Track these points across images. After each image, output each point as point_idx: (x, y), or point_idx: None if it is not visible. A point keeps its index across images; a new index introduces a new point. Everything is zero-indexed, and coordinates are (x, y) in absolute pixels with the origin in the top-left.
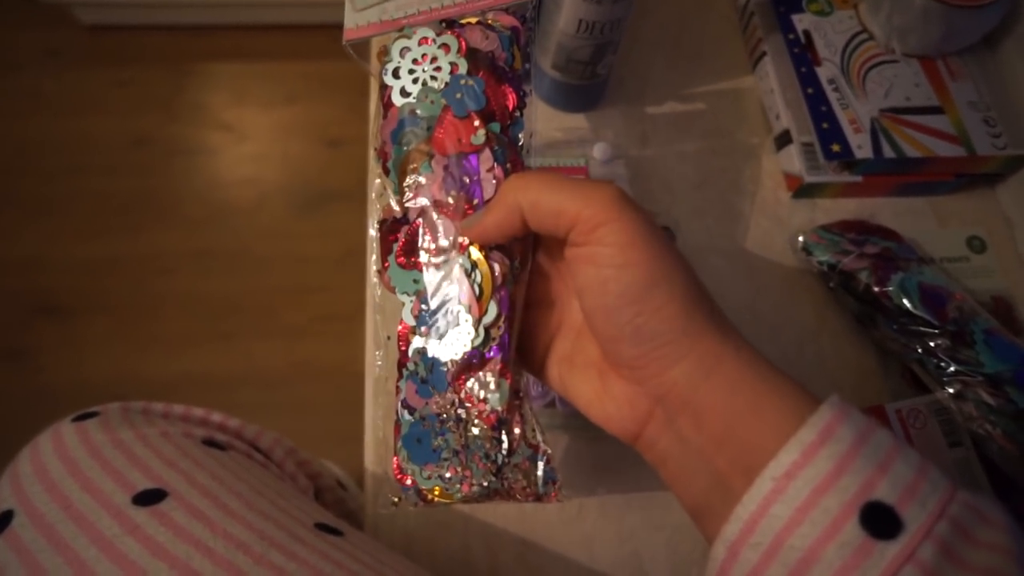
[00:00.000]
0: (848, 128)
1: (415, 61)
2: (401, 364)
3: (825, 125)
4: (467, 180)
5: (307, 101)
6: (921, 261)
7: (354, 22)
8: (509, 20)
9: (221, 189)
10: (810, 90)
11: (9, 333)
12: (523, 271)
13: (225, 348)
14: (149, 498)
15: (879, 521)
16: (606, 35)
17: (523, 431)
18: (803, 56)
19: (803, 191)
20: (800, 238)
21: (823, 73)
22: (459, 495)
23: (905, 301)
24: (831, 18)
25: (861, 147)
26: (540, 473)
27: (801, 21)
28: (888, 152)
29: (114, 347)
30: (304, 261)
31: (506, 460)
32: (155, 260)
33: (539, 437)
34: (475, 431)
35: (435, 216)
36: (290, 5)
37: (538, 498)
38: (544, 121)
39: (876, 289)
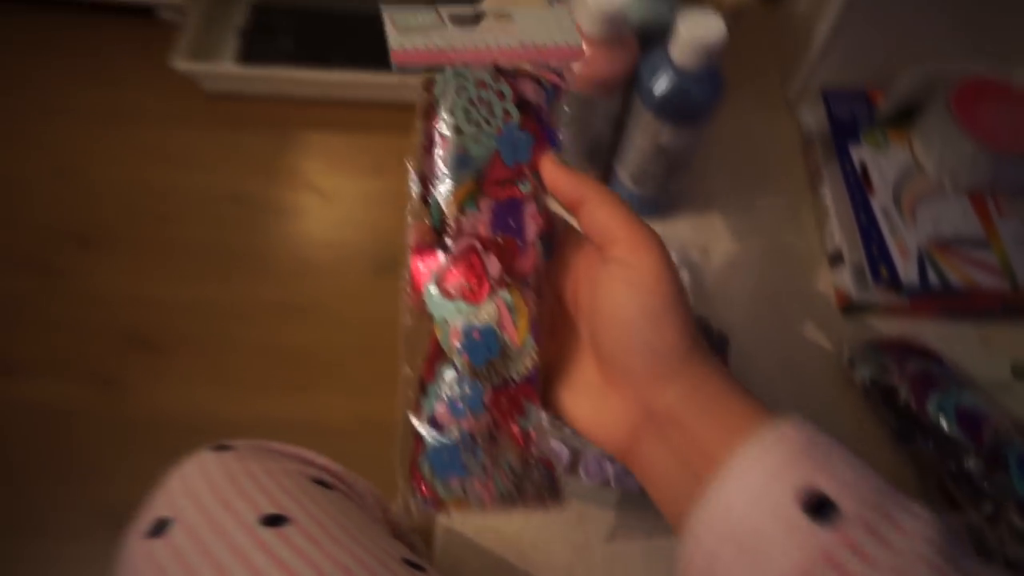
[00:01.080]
0: (896, 254)
1: (471, 102)
2: (424, 383)
3: (875, 250)
4: (512, 223)
5: (392, 172)
6: (960, 383)
7: (400, 44)
8: (552, 77)
9: (307, 248)
10: (863, 216)
11: (105, 361)
12: (542, 306)
13: (296, 397)
14: (273, 521)
15: (817, 507)
16: (680, 158)
17: (539, 446)
18: (858, 184)
19: (852, 308)
20: (846, 352)
21: (876, 201)
22: (479, 505)
23: (942, 421)
24: (886, 152)
25: (908, 273)
26: (548, 482)
27: (858, 153)
28: (933, 279)
29: (195, 384)
30: (377, 322)
31: (526, 472)
32: (241, 308)
33: (550, 451)
34: (504, 447)
35: (483, 252)
36: (381, 86)
37: (544, 506)
38: None
39: (914, 407)
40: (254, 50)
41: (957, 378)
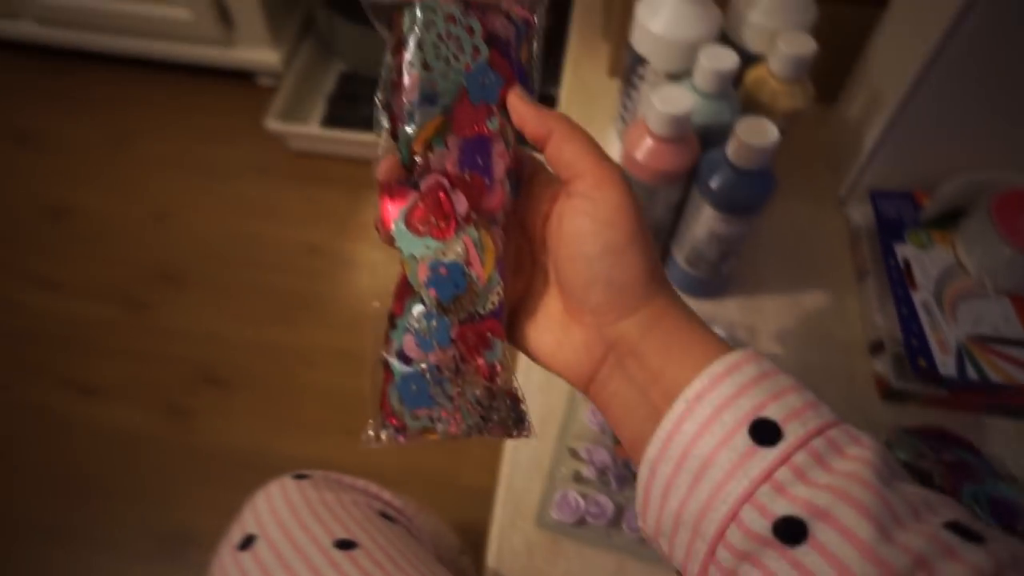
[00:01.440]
0: (936, 347)
1: (439, 36)
2: (393, 316)
3: (915, 342)
4: (479, 161)
5: None
6: (996, 475)
7: None
8: (523, 13)
9: (371, 300)
10: (904, 310)
11: (178, 393)
12: (508, 243)
13: (348, 442)
14: (345, 545)
15: (764, 432)
16: (732, 245)
17: (504, 378)
18: (900, 280)
19: (891, 395)
20: (883, 435)
21: (917, 297)
22: (445, 435)
23: (977, 510)
24: (929, 251)
25: (946, 365)
26: (515, 414)
27: (903, 250)
28: (972, 374)
29: (258, 422)
30: None
31: (492, 404)
32: (306, 352)
33: (516, 383)
34: (470, 380)
35: (450, 189)
36: None
37: (510, 435)
38: None
39: (948, 493)
40: (338, 114)
41: (993, 469)
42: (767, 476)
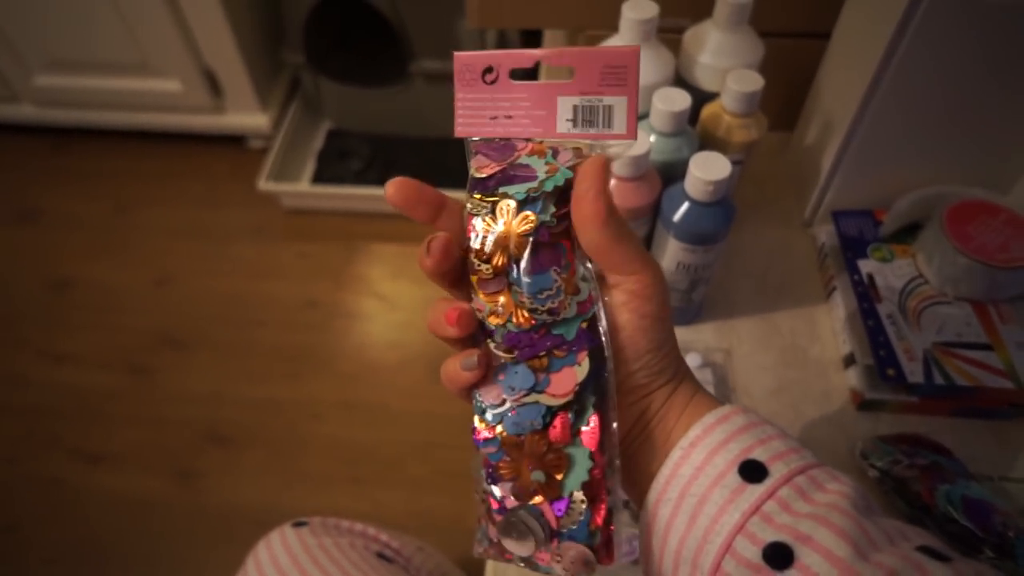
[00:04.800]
0: (903, 356)
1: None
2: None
3: (882, 352)
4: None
5: None
6: (969, 476)
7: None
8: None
9: (371, 349)
10: (871, 322)
11: (185, 455)
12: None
13: (355, 491)
14: None
15: (752, 471)
16: (699, 273)
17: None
18: (866, 294)
19: (865, 405)
20: (859, 445)
21: (882, 309)
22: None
23: (951, 510)
24: (891, 264)
25: (913, 373)
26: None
27: (866, 266)
28: (938, 379)
29: (265, 479)
30: (434, 418)
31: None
32: (309, 406)
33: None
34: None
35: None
36: None
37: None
38: None
39: (924, 497)
40: (328, 171)
41: (965, 470)
42: (756, 508)
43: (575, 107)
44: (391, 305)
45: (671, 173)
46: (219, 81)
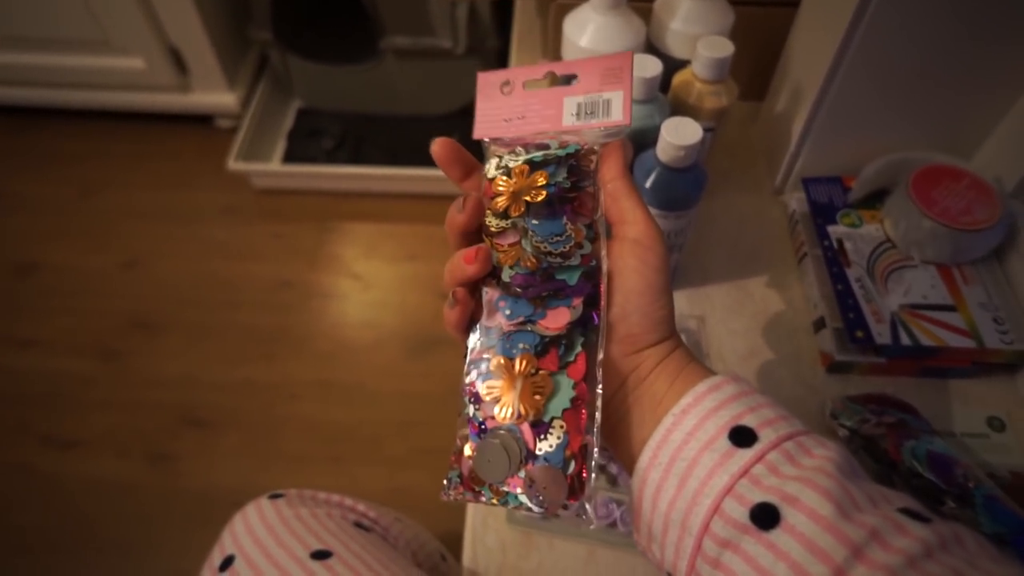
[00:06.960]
0: (871, 318)
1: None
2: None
3: (851, 315)
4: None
5: (426, 259)
6: (933, 432)
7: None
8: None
9: (346, 329)
10: (840, 286)
11: (160, 439)
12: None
13: (334, 470)
14: (321, 555)
15: (742, 437)
16: (673, 240)
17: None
18: (835, 259)
19: (834, 367)
20: (829, 405)
21: (851, 273)
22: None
23: (916, 464)
24: (860, 230)
25: (881, 335)
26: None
27: (835, 231)
28: (905, 340)
29: (242, 460)
30: (411, 397)
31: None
32: (284, 387)
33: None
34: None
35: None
36: (412, 179)
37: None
38: None
39: (891, 453)
40: (299, 150)
41: (930, 427)
42: (745, 471)
43: (579, 104)
44: (365, 284)
45: (643, 140)
46: (184, 58)
